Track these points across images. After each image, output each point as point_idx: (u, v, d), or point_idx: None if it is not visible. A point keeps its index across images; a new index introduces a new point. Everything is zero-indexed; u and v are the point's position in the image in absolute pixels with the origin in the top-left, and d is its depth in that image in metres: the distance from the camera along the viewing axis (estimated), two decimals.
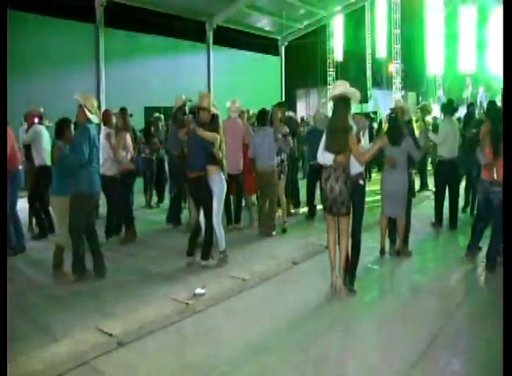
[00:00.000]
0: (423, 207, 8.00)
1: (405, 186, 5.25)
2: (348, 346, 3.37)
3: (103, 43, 14.30)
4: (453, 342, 3.41)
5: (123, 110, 6.33)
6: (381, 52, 26.82)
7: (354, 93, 4.24)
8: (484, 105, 13.93)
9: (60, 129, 4.88)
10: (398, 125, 5.24)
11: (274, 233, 6.53)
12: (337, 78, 26.97)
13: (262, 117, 6.56)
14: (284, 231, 6.67)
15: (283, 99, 20.92)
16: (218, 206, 5.15)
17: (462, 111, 9.95)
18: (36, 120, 6.54)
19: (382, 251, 5.48)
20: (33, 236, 6.52)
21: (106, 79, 14.42)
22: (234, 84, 17.91)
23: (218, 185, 5.12)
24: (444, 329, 3.57)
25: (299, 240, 6.25)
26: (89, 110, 4.61)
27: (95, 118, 4.72)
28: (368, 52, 27.80)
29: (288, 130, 6.84)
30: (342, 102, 4.20)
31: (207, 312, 3.95)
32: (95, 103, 4.77)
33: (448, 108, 7.01)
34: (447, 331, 3.54)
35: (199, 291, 4.28)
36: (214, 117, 5.14)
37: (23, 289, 4.55)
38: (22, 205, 6.25)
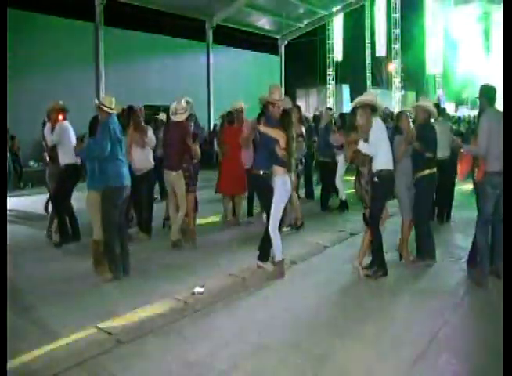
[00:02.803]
0: None
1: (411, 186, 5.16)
2: (348, 346, 3.37)
3: (103, 41, 14.29)
4: None
5: (131, 109, 6.37)
6: (381, 52, 26.86)
7: (374, 98, 4.69)
8: None
9: (94, 127, 4.86)
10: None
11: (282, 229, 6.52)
12: (336, 77, 27.02)
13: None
14: (298, 228, 6.63)
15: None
16: (274, 210, 4.69)
17: (462, 111, 9.97)
18: (60, 117, 6.06)
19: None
20: (54, 243, 6.03)
21: (106, 77, 14.41)
22: (233, 83, 17.90)
23: (278, 188, 4.66)
24: None
25: (298, 240, 6.24)
26: (108, 107, 4.64)
27: (114, 110, 4.75)
28: (367, 51, 27.83)
29: (304, 130, 6.86)
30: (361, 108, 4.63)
31: (206, 310, 3.95)
32: (113, 100, 4.77)
33: None
34: None
35: (198, 289, 4.29)
36: (286, 113, 4.80)
37: (22, 288, 4.55)
38: None
